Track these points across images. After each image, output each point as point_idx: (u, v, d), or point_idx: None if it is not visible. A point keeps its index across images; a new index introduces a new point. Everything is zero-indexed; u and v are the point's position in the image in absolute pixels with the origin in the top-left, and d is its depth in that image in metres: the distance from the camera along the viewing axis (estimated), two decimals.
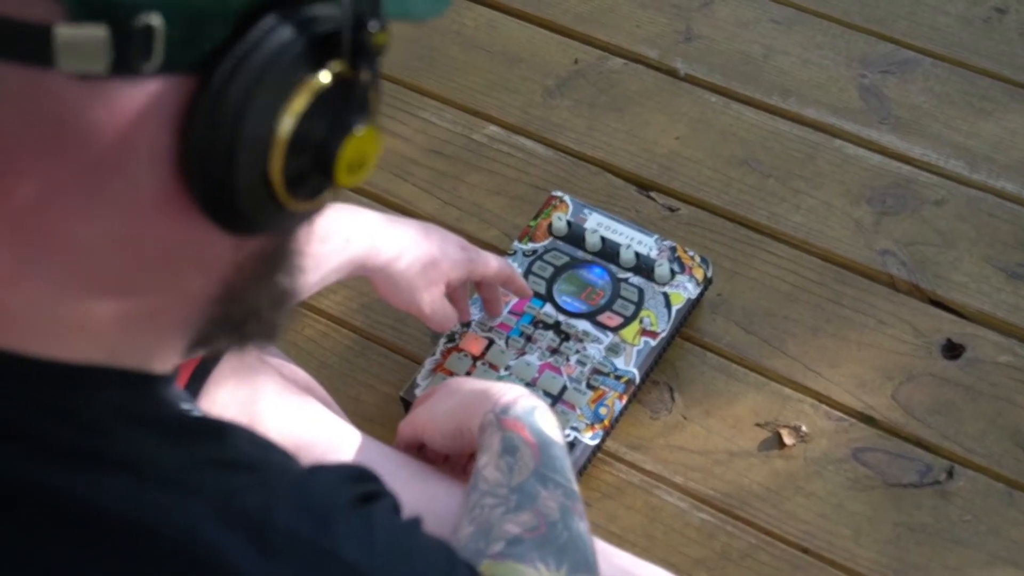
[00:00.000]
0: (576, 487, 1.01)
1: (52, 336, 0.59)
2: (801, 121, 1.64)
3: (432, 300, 1.23)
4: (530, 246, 1.47)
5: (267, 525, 0.60)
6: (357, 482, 0.67)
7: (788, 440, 1.37)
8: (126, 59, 0.52)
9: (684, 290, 1.42)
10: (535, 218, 1.50)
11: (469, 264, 1.25)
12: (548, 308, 1.42)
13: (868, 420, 1.39)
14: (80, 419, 0.59)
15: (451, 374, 1.38)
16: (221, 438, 0.64)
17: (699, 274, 1.44)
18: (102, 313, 0.59)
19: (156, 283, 0.60)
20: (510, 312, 1.42)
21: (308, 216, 0.62)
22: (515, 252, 1.47)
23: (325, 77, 0.57)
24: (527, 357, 1.39)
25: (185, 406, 0.68)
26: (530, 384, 1.37)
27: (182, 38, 0.53)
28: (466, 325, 1.41)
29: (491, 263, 1.29)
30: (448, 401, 1.12)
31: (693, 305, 1.43)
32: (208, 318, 0.63)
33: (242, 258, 0.61)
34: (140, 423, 0.61)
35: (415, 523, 0.70)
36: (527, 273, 1.44)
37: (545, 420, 1.05)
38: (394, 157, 1.65)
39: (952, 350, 1.43)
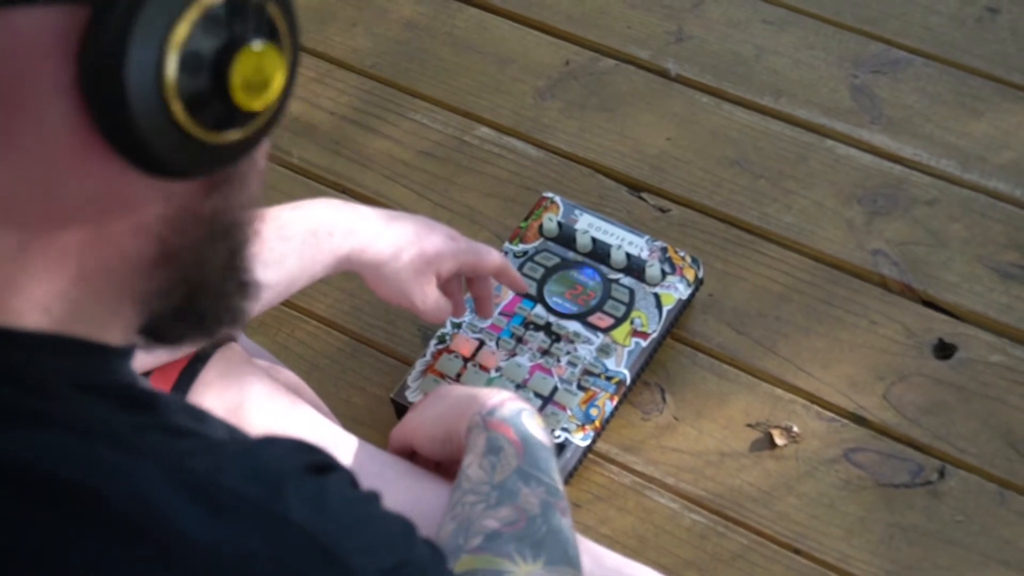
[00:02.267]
0: (561, 486, 1.00)
1: None
2: (792, 121, 1.64)
3: (423, 293, 1.20)
4: (521, 247, 1.47)
5: (215, 487, 0.59)
6: (309, 452, 0.66)
7: (779, 441, 1.37)
8: None
9: (675, 291, 1.42)
10: (526, 219, 1.49)
11: (460, 255, 1.22)
12: (539, 309, 1.42)
13: (860, 420, 1.38)
14: (25, 381, 0.58)
15: (442, 375, 1.37)
16: (170, 407, 0.63)
17: (690, 275, 1.43)
18: (34, 271, 0.58)
19: (83, 234, 0.59)
20: (500, 313, 1.42)
21: (226, 155, 0.59)
22: (506, 253, 1.46)
23: None
24: (518, 358, 1.38)
25: (144, 384, 0.67)
26: (521, 385, 1.36)
27: None
28: (457, 326, 1.41)
29: (483, 254, 1.24)
30: (437, 406, 1.12)
31: (684, 306, 1.43)
32: (154, 287, 0.62)
33: (173, 212, 0.60)
34: (88, 389, 0.60)
35: (374, 495, 0.69)
36: None
37: (531, 422, 1.05)
38: (385, 159, 1.65)
39: (944, 350, 1.43)
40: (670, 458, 1.37)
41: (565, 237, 1.46)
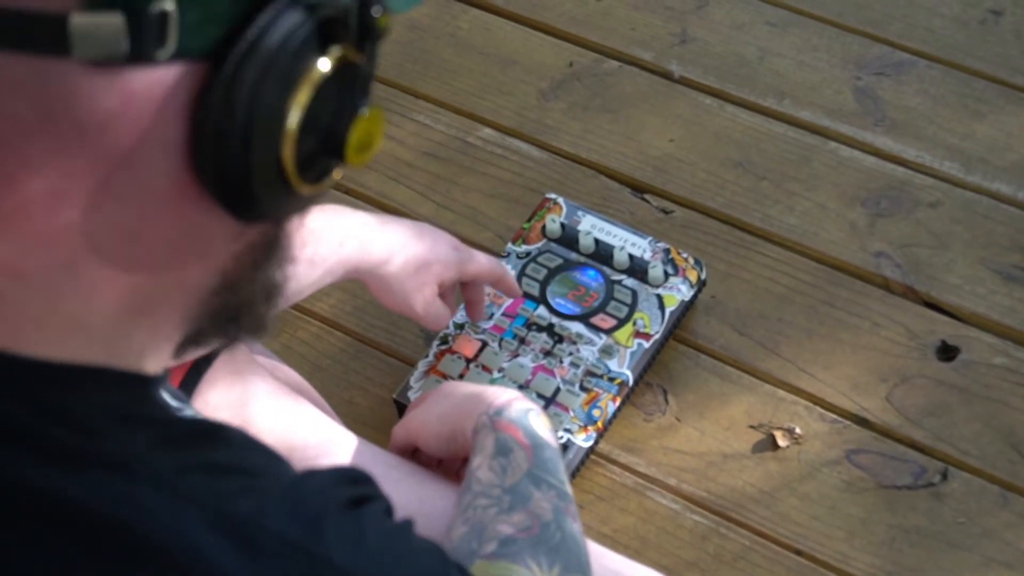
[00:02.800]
0: (569, 489, 1.00)
1: (49, 333, 0.59)
2: (796, 123, 1.64)
3: (425, 301, 1.23)
4: (524, 248, 1.47)
5: (257, 530, 0.59)
6: (350, 484, 0.67)
7: (782, 442, 1.37)
8: (141, 46, 0.53)
9: (678, 292, 1.42)
10: (529, 220, 1.50)
11: (460, 264, 1.25)
12: (541, 310, 1.42)
13: (862, 422, 1.38)
14: (72, 419, 0.59)
15: (445, 376, 1.37)
16: (214, 441, 0.64)
17: (693, 276, 1.43)
18: (103, 308, 0.59)
19: (160, 276, 0.60)
20: (503, 314, 1.42)
21: (312, 200, 0.62)
22: (509, 254, 1.47)
23: (331, 62, 0.57)
24: (520, 359, 1.39)
25: (175, 405, 0.68)
26: (523, 386, 1.37)
27: (194, 23, 0.53)
28: (460, 327, 1.41)
29: (482, 262, 1.28)
30: (442, 404, 1.12)
31: (687, 307, 1.43)
32: (206, 311, 0.63)
33: (241, 247, 0.61)
34: (133, 424, 0.60)
35: (407, 525, 0.70)
36: (521, 275, 1.44)
37: (538, 423, 1.05)
38: (389, 160, 1.65)
39: (946, 352, 1.43)
40: (672, 459, 1.37)
41: (568, 238, 1.47)
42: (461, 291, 1.34)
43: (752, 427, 1.39)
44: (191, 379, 1.12)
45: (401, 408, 1.38)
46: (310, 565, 0.60)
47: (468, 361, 1.39)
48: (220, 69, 0.55)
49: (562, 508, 0.97)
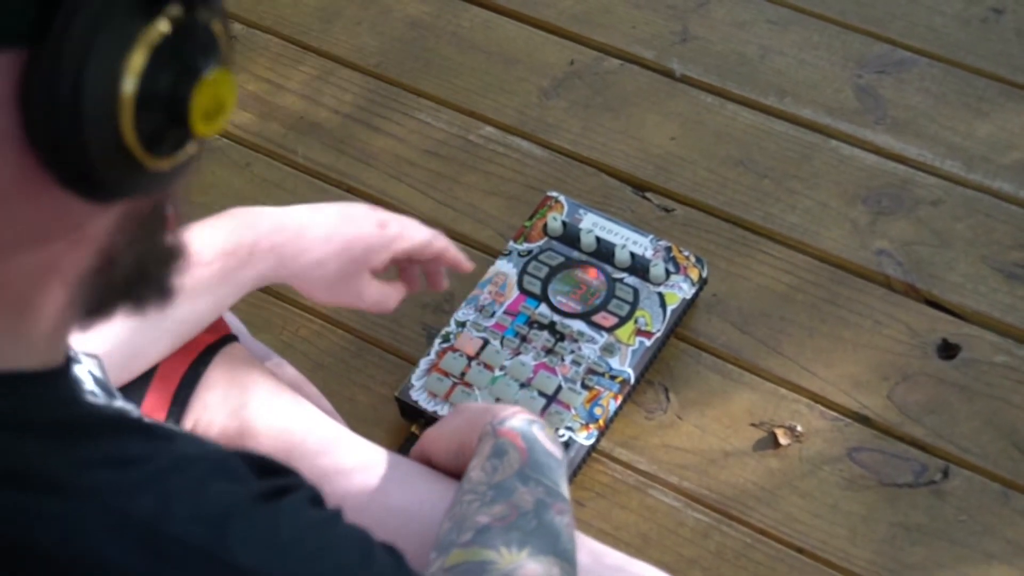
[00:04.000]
0: (564, 491, 1.00)
1: None
2: (797, 121, 1.64)
3: (358, 294, 1.17)
4: (525, 246, 1.47)
5: (159, 535, 0.57)
6: (267, 474, 0.64)
7: (783, 440, 1.37)
8: None
9: (679, 290, 1.42)
10: (530, 218, 1.50)
11: (392, 244, 1.17)
12: (543, 308, 1.42)
13: (863, 420, 1.38)
14: None
15: (446, 374, 1.38)
16: (117, 431, 0.61)
17: (694, 274, 1.43)
18: None
19: (28, 270, 0.57)
20: (505, 312, 1.42)
21: (174, 176, 0.58)
22: (510, 252, 1.47)
23: (163, 24, 0.54)
24: (522, 357, 1.39)
25: (88, 390, 0.64)
26: (525, 384, 1.37)
27: (3, 7, 0.51)
28: (461, 324, 1.41)
29: (417, 239, 1.19)
30: (454, 420, 1.12)
31: (688, 305, 1.43)
32: (92, 290, 0.60)
33: (112, 222, 0.58)
34: (21, 428, 0.57)
35: (334, 515, 0.67)
36: (522, 273, 1.44)
37: (541, 433, 1.05)
38: (389, 158, 1.65)
39: (948, 350, 1.43)
40: (673, 457, 1.37)
41: (569, 236, 1.47)
42: (400, 273, 1.25)
43: (753, 425, 1.39)
44: (189, 380, 1.11)
45: (403, 406, 1.38)
46: (213, 568, 0.58)
47: (470, 359, 1.39)
48: (41, 50, 0.51)
49: (546, 502, 0.97)
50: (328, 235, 1.13)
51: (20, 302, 0.58)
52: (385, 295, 1.19)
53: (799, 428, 1.38)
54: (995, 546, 1.29)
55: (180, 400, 1.09)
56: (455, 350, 1.39)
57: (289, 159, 1.67)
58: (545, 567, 0.90)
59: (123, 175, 0.55)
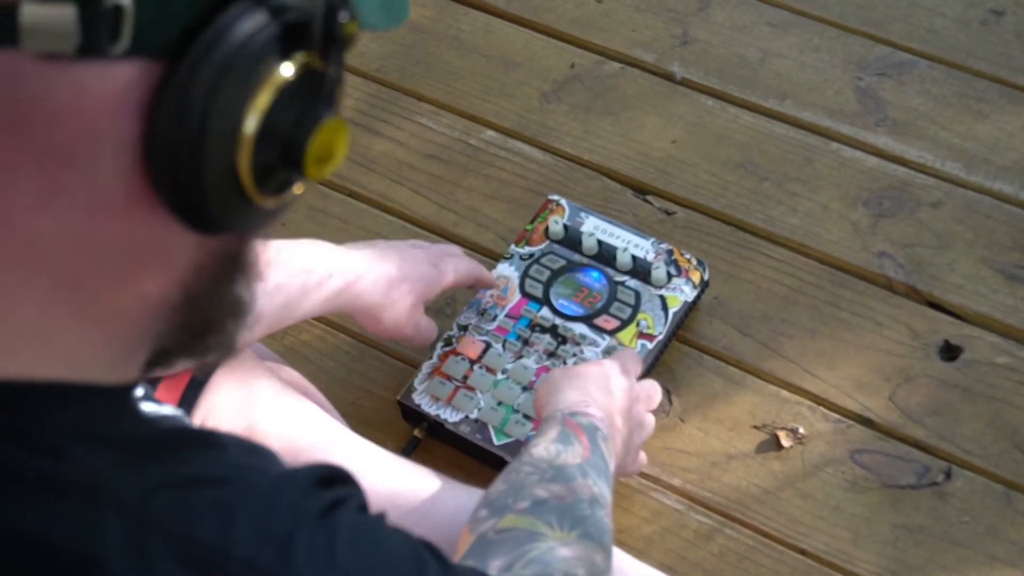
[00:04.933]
0: (610, 502, 1.03)
1: (4, 347, 0.56)
2: (797, 124, 1.64)
3: (416, 326, 1.30)
4: (527, 250, 1.47)
5: (226, 560, 0.57)
6: (326, 487, 0.64)
7: (785, 442, 1.37)
8: (94, 40, 0.51)
9: (681, 293, 1.42)
10: (532, 222, 1.50)
11: (444, 279, 1.32)
12: (545, 311, 1.42)
13: (866, 422, 1.38)
14: (31, 441, 0.56)
15: (448, 378, 1.38)
16: (184, 450, 0.61)
17: (696, 277, 1.44)
18: (58, 318, 0.57)
19: (115, 283, 0.57)
20: (507, 315, 1.42)
21: (274, 214, 0.60)
22: (512, 256, 1.47)
23: (293, 67, 0.56)
24: (524, 360, 1.39)
25: (151, 411, 0.65)
26: (527, 388, 1.37)
27: (152, 20, 0.52)
28: (463, 328, 1.41)
29: (459, 269, 1.34)
30: (566, 380, 1.18)
31: (690, 308, 1.43)
32: (168, 327, 0.61)
33: (203, 259, 0.59)
34: (98, 442, 0.58)
35: (380, 521, 0.67)
36: (524, 277, 1.44)
37: (605, 443, 1.09)
38: (391, 162, 1.65)
39: (949, 352, 1.43)
40: (676, 459, 1.38)
41: (571, 240, 1.47)
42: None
43: (756, 427, 1.39)
44: (195, 383, 1.12)
45: (405, 410, 1.38)
46: None
47: (472, 362, 1.39)
48: (177, 69, 0.53)
49: (600, 501, 1.00)
50: (394, 270, 1.26)
51: (103, 321, 0.59)
52: (431, 329, 1.33)
53: (801, 430, 1.38)
54: (998, 547, 1.30)
55: (187, 401, 1.10)
56: (457, 354, 1.40)
57: None
58: (588, 551, 0.93)
59: (229, 207, 0.56)
